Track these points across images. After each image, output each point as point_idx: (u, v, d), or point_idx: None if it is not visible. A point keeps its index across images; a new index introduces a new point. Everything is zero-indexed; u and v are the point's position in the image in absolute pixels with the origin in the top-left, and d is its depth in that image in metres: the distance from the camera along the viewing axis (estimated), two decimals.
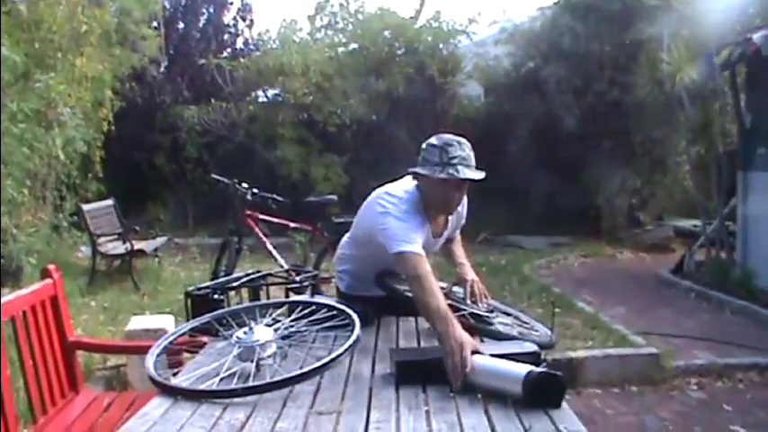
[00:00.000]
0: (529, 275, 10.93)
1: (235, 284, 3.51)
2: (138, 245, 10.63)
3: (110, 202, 11.53)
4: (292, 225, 9.52)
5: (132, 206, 13.95)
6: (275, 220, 9.46)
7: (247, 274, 3.64)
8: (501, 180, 14.38)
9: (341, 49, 16.02)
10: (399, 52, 15.45)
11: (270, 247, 9.21)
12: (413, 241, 3.07)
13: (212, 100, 15.89)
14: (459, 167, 3.17)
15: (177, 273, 11.36)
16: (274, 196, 9.23)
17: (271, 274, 3.70)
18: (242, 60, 16.49)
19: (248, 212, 9.28)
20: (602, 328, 7.55)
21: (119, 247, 10.65)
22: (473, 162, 3.24)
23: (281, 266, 8.19)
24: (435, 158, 3.21)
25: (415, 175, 3.33)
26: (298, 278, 3.67)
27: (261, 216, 9.37)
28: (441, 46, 15.77)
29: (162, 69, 16.79)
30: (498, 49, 16.29)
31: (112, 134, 12.27)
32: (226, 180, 9.31)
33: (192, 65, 16.93)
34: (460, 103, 16.39)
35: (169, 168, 16.33)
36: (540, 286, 10.02)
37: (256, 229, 9.32)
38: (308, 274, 3.78)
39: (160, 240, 11.71)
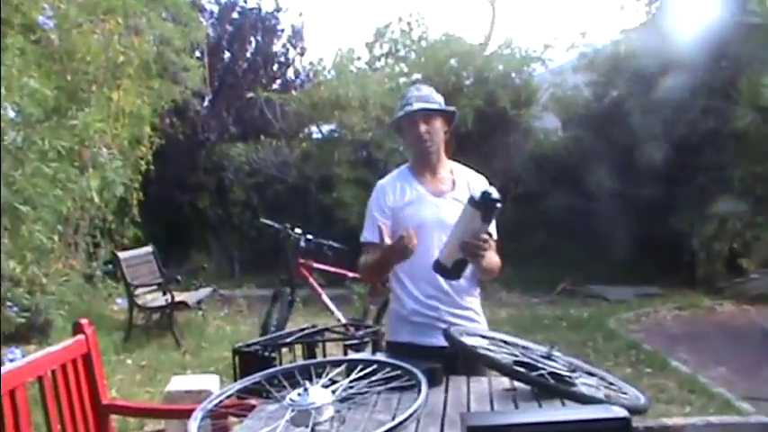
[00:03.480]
0: (615, 331, 10.78)
1: (287, 340, 3.51)
2: (179, 296, 10.71)
3: (148, 249, 11.65)
4: (350, 275, 9.48)
5: (173, 254, 14.07)
6: (331, 269, 9.48)
7: (301, 329, 3.64)
8: (581, 222, 14.40)
9: (403, 80, 16.06)
10: (467, 82, 15.46)
11: (326, 299, 9.20)
12: (369, 228, 3.89)
13: (261, 137, 16.07)
14: (415, 103, 3.86)
15: (223, 327, 11.41)
16: (330, 243, 9.24)
17: (327, 329, 3.70)
18: (294, 93, 16.68)
19: (301, 261, 9.31)
20: (702, 392, 7.40)
21: (158, 299, 10.74)
22: (434, 99, 3.92)
23: (339, 321, 8.20)
24: (398, 106, 3.97)
25: (395, 131, 4.12)
26: (357, 334, 3.66)
27: (315, 265, 9.39)
28: (513, 75, 15.76)
29: (206, 103, 17.00)
30: (577, 76, 16.23)
31: (151, 174, 12.37)
32: (276, 225, 9.36)
33: (239, 98, 17.12)
34: (536, 137, 16.37)
35: (214, 212, 16.50)
36: (628, 343, 9.87)
37: (311, 279, 9.34)
38: (369, 330, 3.77)
39: (204, 291, 11.79)
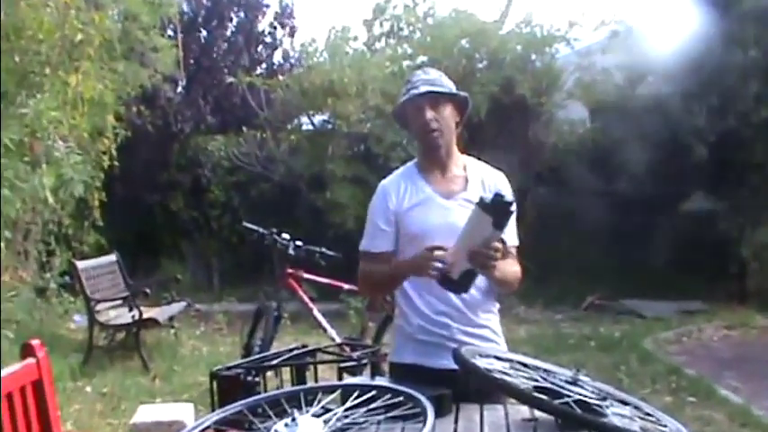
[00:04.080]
0: (652, 353, 10.78)
1: (273, 362, 3.50)
2: (148, 312, 10.68)
3: (112, 257, 11.63)
4: (346, 287, 9.50)
5: (141, 263, 14.09)
6: (324, 280, 9.46)
7: (289, 350, 3.63)
8: (613, 227, 14.37)
9: (406, 63, 16.01)
10: (481, 66, 15.45)
11: (317, 314, 9.19)
12: (370, 235, 3.95)
13: (244, 128, 16.05)
14: (421, 87, 3.82)
15: (199, 348, 11.42)
16: (323, 250, 9.21)
17: (319, 350, 3.69)
18: (281, 78, 16.64)
19: (290, 271, 9.29)
20: (756, 426, 7.40)
21: (123, 316, 10.71)
22: (442, 83, 3.88)
23: (333, 339, 8.21)
24: (403, 91, 3.94)
25: (397, 121, 4.18)
26: (354, 354, 3.66)
27: (306, 275, 9.36)
28: (533, 57, 15.73)
29: (179, 89, 17.00)
30: (608, 59, 16.18)
31: (116, 171, 12.33)
32: (261, 230, 9.33)
33: (218, 84, 17.15)
34: (559, 129, 16.29)
35: (189, 215, 16.51)
36: (667, 367, 9.87)
37: (300, 292, 9.32)
38: (367, 350, 3.77)
39: (177, 306, 11.77)
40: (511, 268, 3.79)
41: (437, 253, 3.44)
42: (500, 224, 3.33)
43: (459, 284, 3.50)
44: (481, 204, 3.31)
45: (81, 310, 11.57)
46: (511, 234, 3.81)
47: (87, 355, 10.43)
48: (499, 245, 3.42)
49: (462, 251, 3.39)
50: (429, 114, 3.79)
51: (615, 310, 13.73)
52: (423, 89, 3.79)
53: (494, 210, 3.29)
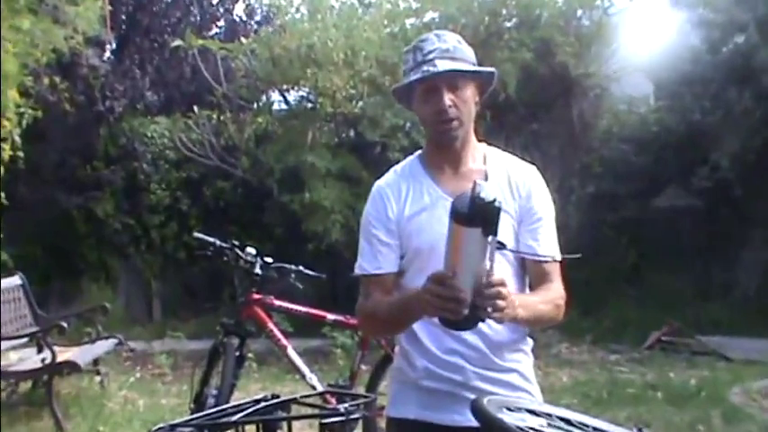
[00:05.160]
0: (741, 408, 10.71)
1: (234, 418, 3.51)
2: (63, 354, 10.61)
3: (15, 280, 11.59)
4: (331, 317, 9.48)
5: (56, 287, 14.08)
6: (302, 308, 9.46)
7: (255, 401, 3.64)
8: (686, 239, 14.38)
9: (410, 22, 16.01)
10: (508, 25, 15.42)
11: (293, 354, 9.19)
12: (368, 253, 3.90)
13: (195, 108, 16.01)
14: (437, 61, 3.71)
15: (133, 400, 11.40)
16: (300, 268, 9.23)
17: (295, 401, 3.70)
18: (244, 41, 16.64)
19: (256, 297, 9.27)
20: None
21: (30, 359, 10.70)
22: (464, 55, 3.82)
23: (313, 387, 8.22)
24: (410, 63, 3.84)
25: (399, 99, 4.11)
26: (341, 407, 3.67)
27: (278, 302, 9.37)
28: (579, 13, 15.70)
29: (107, 55, 16.96)
30: (678, 14, 16.17)
31: (20, 165, 12.31)
32: (218, 242, 9.34)
33: (160, 48, 17.14)
34: (613, 109, 16.28)
35: (121, 223, 16.50)
36: (763, 427, 9.85)
37: (270, 325, 9.31)
38: (358, 401, 3.77)
39: (104, 345, 11.72)
40: (546, 299, 3.74)
41: (450, 283, 3.24)
42: (492, 230, 3.24)
43: (466, 319, 3.37)
44: (457, 217, 3.24)
45: None
46: (549, 244, 3.83)
47: None
48: (502, 278, 3.33)
49: (460, 278, 3.26)
50: (448, 99, 3.70)
51: (690, 350, 13.70)
52: (441, 66, 3.68)
53: (476, 218, 3.21)
